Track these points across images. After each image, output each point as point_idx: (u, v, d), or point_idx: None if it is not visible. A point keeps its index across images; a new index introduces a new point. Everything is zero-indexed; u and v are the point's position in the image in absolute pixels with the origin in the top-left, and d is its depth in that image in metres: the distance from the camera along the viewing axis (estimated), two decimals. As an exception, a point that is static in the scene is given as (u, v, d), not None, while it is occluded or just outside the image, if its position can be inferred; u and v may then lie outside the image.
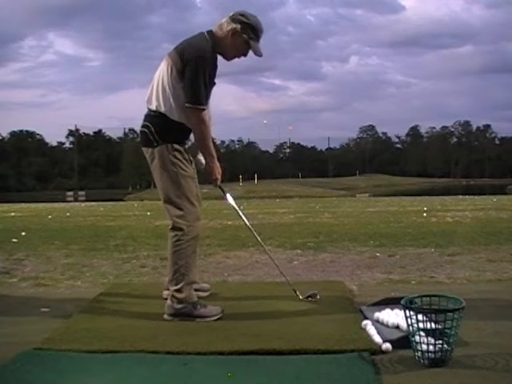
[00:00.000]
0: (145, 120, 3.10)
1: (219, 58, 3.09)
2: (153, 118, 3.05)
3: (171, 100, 2.99)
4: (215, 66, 3.05)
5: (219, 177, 3.16)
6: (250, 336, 2.59)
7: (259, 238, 3.42)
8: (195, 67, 2.92)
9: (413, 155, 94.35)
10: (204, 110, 2.97)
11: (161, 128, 3.02)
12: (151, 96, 3.07)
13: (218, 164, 3.15)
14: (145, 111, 3.14)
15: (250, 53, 3.10)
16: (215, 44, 3.03)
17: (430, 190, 39.94)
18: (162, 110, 3.01)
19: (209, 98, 3.06)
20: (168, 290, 3.12)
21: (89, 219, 11.56)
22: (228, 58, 3.11)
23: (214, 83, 3.09)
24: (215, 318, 2.96)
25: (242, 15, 3.05)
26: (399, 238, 6.78)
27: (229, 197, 3.31)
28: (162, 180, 3.04)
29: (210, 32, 3.07)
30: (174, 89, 2.98)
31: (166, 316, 2.98)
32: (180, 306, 2.97)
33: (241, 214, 3.32)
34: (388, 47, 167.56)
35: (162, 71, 3.04)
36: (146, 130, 3.05)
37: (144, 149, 3.11)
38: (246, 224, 3.34)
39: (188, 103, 2.94)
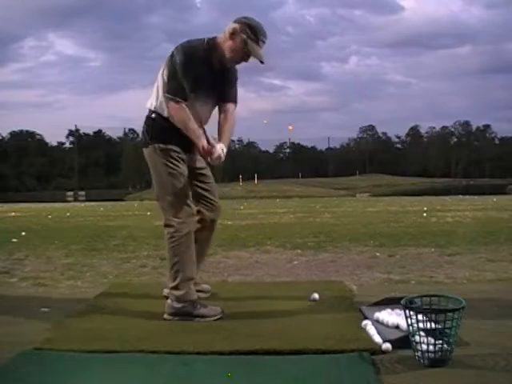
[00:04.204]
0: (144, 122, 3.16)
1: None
2: (148, 118, 3.11)
3: (160, 95, 3.03)
4: (208, 68, 3.02)
5: (216, 155, 2.99)
6: (249, 336, 2.59)
7: None
8: (177, 59, 2.96)
9: (413, 155, 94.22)
10: (178, 102, 2.94)
11: (152, 128, 3.07)
12: (150, 97, 3.12)
13: (205, 143, 2.98)
14: (146, 111, 3.17)
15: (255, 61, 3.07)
16: (212, 48, 3.02)
17: (430, 189, 39.87)
18: (153, 105, 3.06)
19: (200, 100, 3.03)
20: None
21: (89, 219, 11.57)
22: (227, 61, 3.07)
23: (213, 89, 3.07)
24: (215, 318, 2.95)
25: (244, 17, 3.05)
26: (399, 238, 6.79)
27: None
28: (154, 179, 3.10)
29: (211, 37, 3.08)
30: (163, 84, 3.03)
31: (165, 316, 2.98)
32: (179, 305, 2.97)
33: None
34: (387, 47, 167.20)
35: (160, 71, 3.09)
36: (142, 131, 3.13)
37: (143, 149, 3.15)
38: None
39: (165, 93, 2.98)
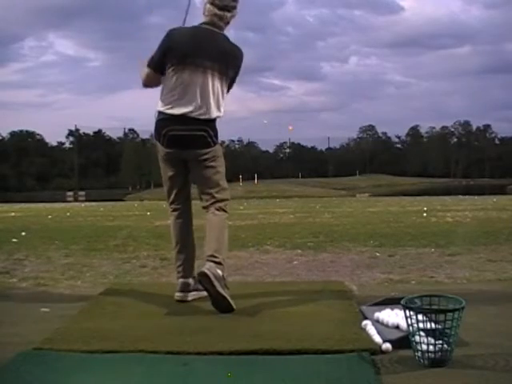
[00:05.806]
0: (195, 125, 3.30)
1: None
2: (211, 121, 3.35)
3: (221, 101, 3.40)
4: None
5: None
6: (249, 336, 2.59)
7: None
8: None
9: (413, 155, 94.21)
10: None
11: (215, 129, 3.38)
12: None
13: None
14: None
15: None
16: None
17: (430, 189, 39.88)
18: (222, 111, 3.40)
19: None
20: (182, 291, 3.28)
21: (89, 219, 11.56)
22: None
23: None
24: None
25: None
26: (399, 238, 6.78)
27: None
28: (223, 173, 3.46)
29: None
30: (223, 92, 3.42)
31: (222, 291, 3.00)
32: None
33: None
34: (387, 48, 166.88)
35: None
36: (203, 134, 3.30)
37: (198, 151, 3.31)
38: None
39: None
